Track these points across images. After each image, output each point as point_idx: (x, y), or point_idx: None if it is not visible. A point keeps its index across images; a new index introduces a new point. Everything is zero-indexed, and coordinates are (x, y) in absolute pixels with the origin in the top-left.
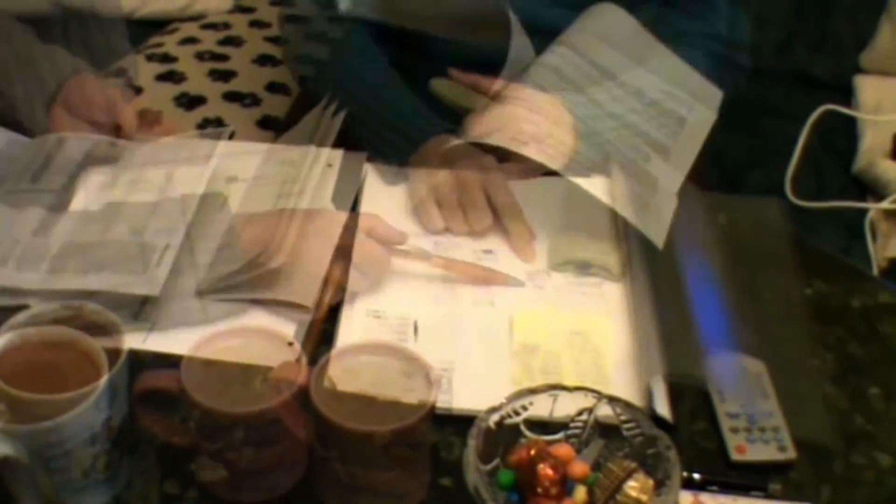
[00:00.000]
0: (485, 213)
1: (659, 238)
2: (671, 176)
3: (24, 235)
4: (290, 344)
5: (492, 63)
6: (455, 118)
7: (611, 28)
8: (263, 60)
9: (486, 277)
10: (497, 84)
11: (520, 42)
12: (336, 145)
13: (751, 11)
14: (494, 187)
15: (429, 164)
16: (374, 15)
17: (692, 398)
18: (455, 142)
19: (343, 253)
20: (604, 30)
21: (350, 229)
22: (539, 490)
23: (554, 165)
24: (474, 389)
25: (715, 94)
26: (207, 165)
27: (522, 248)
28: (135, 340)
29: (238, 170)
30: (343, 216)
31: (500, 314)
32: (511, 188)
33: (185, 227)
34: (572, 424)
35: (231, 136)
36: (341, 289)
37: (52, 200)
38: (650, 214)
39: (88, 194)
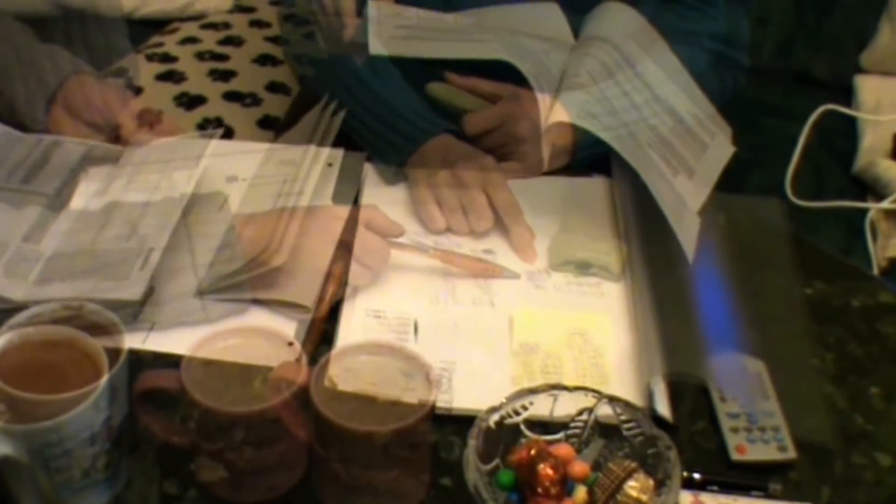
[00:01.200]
0: (485, 214)
1: (689, 250)
2: (694, 195)
3: (14, 240)
4: (290, 344)
5: (489, 65)
6: (452, 120)
7: (621, 24)
8: (263, 60)
9: (483, 269)
10: (493, 86)
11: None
12: (336, 145)
13: (749, 10)
14: (494, 187)
15: (429, 165)
16: (405, 53)
17: (692, 398)
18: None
19: (344, 247)
20: (616, 25)
21: (350, 224)
22: (539, 490)
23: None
24: (474, 389)
25: (726, 128)
26: (197, 168)
27: (523, 249)
28: (135, 340)
29: (238, 170)
30: (343, 211)
31: (500, 314)
32: (511, 188)
33: (171, 228)
34: (572, 424)
35: (230, 135)
36: (343, 283)
37: (44, 204)
38: (683, 224)
39: (87, 194)
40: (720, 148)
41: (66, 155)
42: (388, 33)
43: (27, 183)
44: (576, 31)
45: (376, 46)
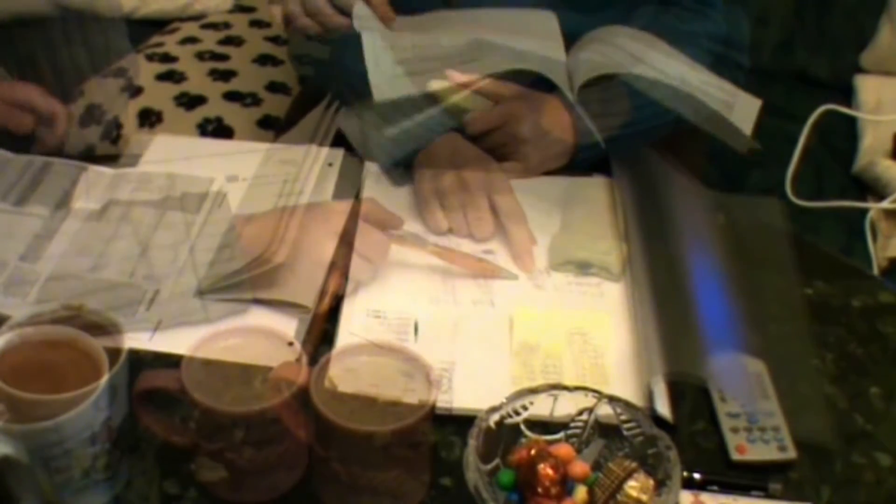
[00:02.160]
0: (486, 218)
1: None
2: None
3: (10, 259)
4: (291, 344)
5: None
6: (453, 120)
7: (619, 31)
8: (263, 60)
9: (482, 268)
10: (495, 85)
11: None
12: (336, 145)
13: (749, 10)
14: (497, 191)
15: (435, 164)
16: (411, 92)
17: (692, 398)
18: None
19: (345, 242)
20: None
21: (351, 219)
22: (539, 490)
23: (552, 165)
24: (474, 389)
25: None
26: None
27: (521, 256)
28: (137, 340)
29: (238, 170)
30: (343, 206)
31: (500, 313)
32: (512, 188)
33: (172, 230)
34: (572, 424)
35: (230, 135)
36: (344, 278)
37: (40, 226)
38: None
39: (87, 194)
40: (746, 103)
41: (59, 176)
42: (388, 73)
43: (20, 205)
44: (574, 32)
45: (380, 93)
